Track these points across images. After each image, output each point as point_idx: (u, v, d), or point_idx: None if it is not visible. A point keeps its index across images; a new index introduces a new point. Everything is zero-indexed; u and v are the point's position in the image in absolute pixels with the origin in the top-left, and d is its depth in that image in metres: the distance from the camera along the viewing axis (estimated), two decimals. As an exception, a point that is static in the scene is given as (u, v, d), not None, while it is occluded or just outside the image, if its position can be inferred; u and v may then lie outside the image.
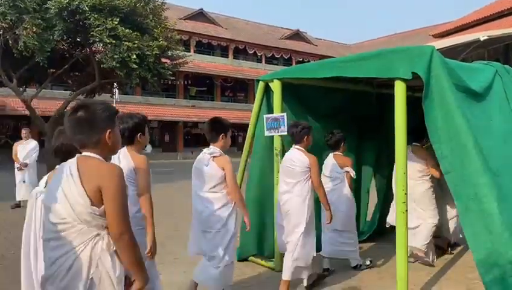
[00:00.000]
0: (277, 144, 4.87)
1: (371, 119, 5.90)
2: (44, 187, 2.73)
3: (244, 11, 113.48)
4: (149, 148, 33.79)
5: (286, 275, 4.14)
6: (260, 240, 5.34)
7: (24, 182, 9.35)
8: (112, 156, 2.64)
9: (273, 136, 4.86)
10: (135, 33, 16.57)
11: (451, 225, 5.67)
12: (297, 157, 4.20)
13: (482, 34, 13.01)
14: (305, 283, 4.31)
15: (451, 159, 3.47)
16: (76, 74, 21.32)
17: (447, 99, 3.51)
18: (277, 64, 39.09)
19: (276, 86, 4.97)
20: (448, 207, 5.62)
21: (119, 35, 16.21)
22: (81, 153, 2.05)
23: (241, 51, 39.86)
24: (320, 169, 4.75)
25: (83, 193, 1.93)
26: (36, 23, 15.35)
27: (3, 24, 15.36)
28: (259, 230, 5.25)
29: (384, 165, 6.14)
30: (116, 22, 16.12)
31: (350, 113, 5.71)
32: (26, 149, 9.48)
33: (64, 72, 19.70)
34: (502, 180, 3.45)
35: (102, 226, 1.97)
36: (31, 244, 2.84)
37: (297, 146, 4.29)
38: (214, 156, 3.76)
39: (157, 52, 17.48)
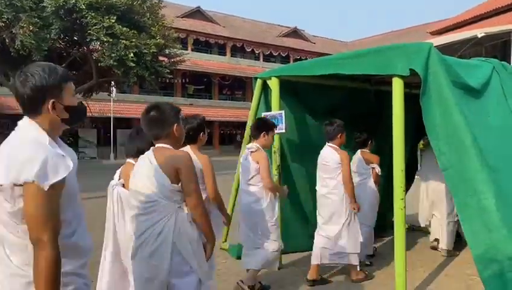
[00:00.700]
0: (275, 142, 4.87)
1: (369, 116, 5.90)
2: (119, 180, 3.14)
3: (242, 9, 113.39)
4: (147, 146, 33.83)
5: (314, 260, 4.45)
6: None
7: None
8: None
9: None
10: (132, 31, 16.53)
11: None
12: (329, 155, 4.47)
13: (479, 31, 13.03)
14: (358, 268, 4.58)
15: (449, 156, 3.47)
16: (74, 72, 21.22)
17: (445, 95, 3.51)
18: (275, 62, 39.07)
19: (274, 84, 4.96)
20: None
21: (116, 34, 16.16)
22: (153, 146, 2.59)
23: (239, 49, 39.81)
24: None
25: (163, 175, 2.45)
26: (33, 21, 15.29)
27: (-1, 23, 15.32)
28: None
29: (383, 163, 6.13)
30: (113, 20, 16.07)
31: (348, 110, 5.70)
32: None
33: (62, 71, 19.63)
34: (499, 176, 3.45)
35: (181, 201, 2.51)
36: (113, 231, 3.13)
37: (330, 143, 4.53)
38: (251, 151, 4.11)
39: (155, 51, 17.44)
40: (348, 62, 4.25)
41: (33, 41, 15.30)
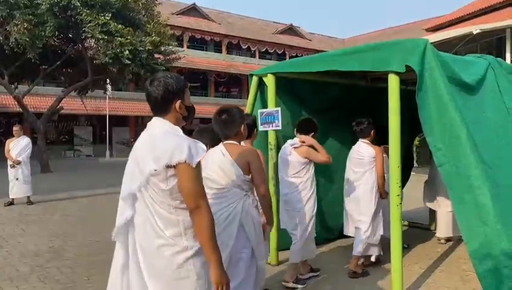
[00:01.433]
0: (271, 139, 4.87)
1: (365, 113, 5.90)
2: None
3: (237, 6, 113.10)
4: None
5: (357, 251, 4.62)
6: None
7: (17, 179, 9.29)
8: None
9: (267, 131, 4.84)
10: (127, 29, 16.46)
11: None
12: (365, 149, 4.72)
13: (474, 28, 13.08)
14: (373, 259, 4.85)
15: (445, 152, 3.48)
16: (69, 70, 21.16)
17: (441, 92, 3.51)
18: (271, 59, 38.99)
19: (269, 81, 4.95)
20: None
21: (112, 31, 16.08)
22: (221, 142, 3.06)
23: (235, 46, 39.74)
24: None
25: (236, 166, 2.90)
26: (27, 19, 15.20)
27: (-7, 20, 15.23)
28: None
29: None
30: (108, 18, 15.99)
31: (344, 107, 5.71)
32: (18, 146, 9.41)
33: (57, 69, 19.54)
34: (494, 172, 3.47)
35: (248, 189, 2.98)
36: None
37: (364, 140, 4.78)
38: (294, 147, 4.34)
39: (150, 48, 17.38)
40: (344, 59, 4.25)
41: (27, 39, 15.21)
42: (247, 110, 5.35)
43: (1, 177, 10.60)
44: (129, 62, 16.57)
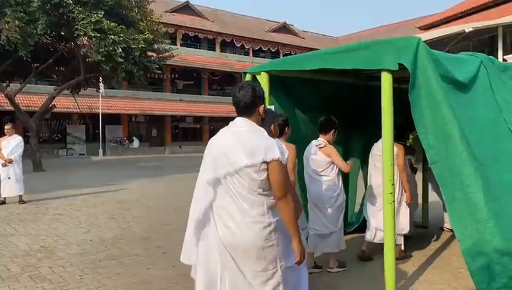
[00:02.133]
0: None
1: (358, 111, 5.91)
2: None
3: (231, 4, 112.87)
4: (136, 143, 33.58)
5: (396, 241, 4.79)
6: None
7: (9, 178, 9.21)
8: None
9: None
10: (120, 26, 16.35)
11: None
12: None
13: (467, 26, 13.15)
14: (402, 247, 5.15)
15: (438, 150, 3.50)
16: (61, 68, 21.03)
17: (433, 90, 3.52)
18: (264, 57, 38.98)
19: (263, 79, 4.94)
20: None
21: (104, 29, 15.97)
22: None
23: (228, 44, 39.68)
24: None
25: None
26: (18, 16, 15.05)
27: (-16, 18, 15.06)
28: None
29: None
30: (100, 16, 15.88)
31: (337, 105, 5.71)
32: (10, 145, 9.32)
33: (49, 67, 19.42)
34: (487, 170, 3.49)
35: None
36: None
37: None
38: (320, 147, 4.59)
39: (143, 46, 17.29)
40: (337, 57, 4.24)
41: (19, 37, 15.07)
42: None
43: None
44: (122, 60, 16.48)
